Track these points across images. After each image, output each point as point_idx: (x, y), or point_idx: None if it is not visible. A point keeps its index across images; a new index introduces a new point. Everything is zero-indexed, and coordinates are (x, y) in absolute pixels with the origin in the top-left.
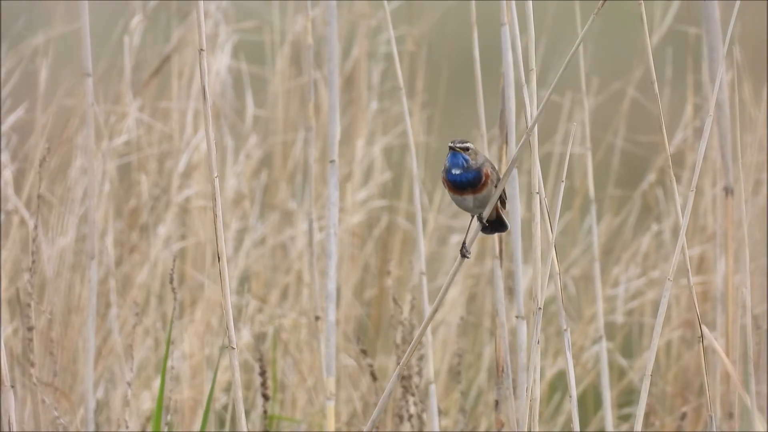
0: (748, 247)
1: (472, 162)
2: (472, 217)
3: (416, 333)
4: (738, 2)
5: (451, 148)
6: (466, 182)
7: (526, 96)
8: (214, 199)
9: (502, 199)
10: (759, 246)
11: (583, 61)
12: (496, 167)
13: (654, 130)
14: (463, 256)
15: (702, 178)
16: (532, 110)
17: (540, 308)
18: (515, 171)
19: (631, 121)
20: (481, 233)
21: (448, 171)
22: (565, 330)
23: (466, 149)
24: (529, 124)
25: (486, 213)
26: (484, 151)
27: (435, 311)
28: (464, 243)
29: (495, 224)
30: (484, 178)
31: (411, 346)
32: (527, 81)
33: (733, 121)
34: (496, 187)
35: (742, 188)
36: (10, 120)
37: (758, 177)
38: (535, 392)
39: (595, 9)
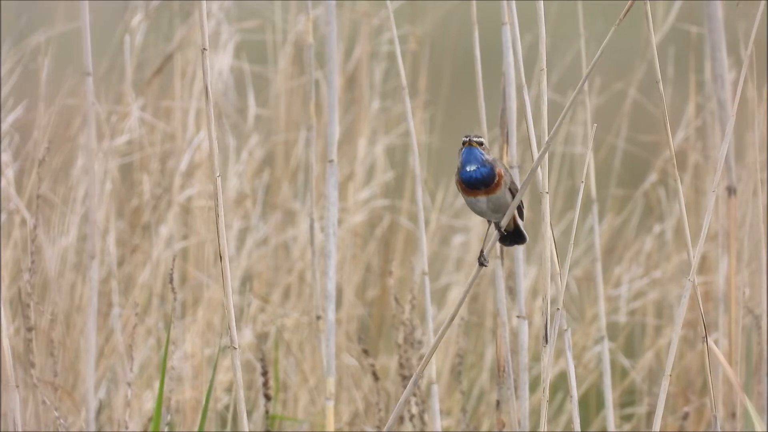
0: (750, 247)
1: (486, 157)
2: (489, 224)
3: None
4: (763, 2)
5: (466, 142)
6: (480, 179)
7: (527, 97)
8: (217, 199)
9: (520, 209)
10: (760, 246)
11: (585, 62)
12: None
13: (655, 130)
14: (481, 264)
15: (703, 178)
16: (543, 111)
17: (558, 309)
18: (517, 171)
19: (633, 120)
20: (499, 243)
21: (461, 169)
22: (566, 330)
23: (481, 143)
24: (545, 126)
25: (504, 222)
26: None
27: (453, 319)
28: (482, 251)
29: (513, 235)
30: (497, 177)
31: (427, 356)
32: (539, 81)
33: (737, 121)
34: (510, 189)
35: (758, 187)
36: (10, 119)
37: (760, 176)
38: (545, 392)
39: (618, 18)
